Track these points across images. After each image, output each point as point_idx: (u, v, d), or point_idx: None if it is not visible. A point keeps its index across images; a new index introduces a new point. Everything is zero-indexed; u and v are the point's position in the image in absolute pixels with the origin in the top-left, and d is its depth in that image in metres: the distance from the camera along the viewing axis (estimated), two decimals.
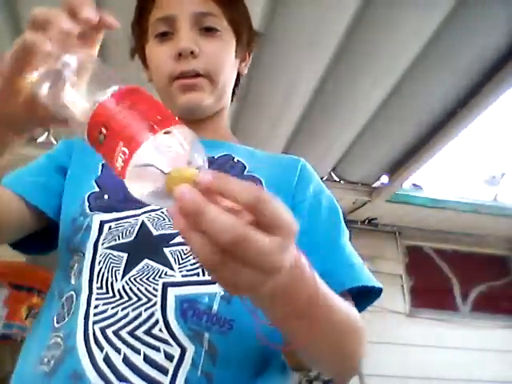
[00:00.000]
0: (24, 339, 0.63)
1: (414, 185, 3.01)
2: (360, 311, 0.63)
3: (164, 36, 0.73)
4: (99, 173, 0.69)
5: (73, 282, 0.60)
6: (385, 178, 2.58)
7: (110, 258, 0.59)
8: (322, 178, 2.55)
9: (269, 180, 0.69)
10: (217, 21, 0.73)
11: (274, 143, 2.28)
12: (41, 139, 2.27)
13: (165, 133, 0.37)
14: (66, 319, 0.57)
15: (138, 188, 0.38)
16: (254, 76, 1.85)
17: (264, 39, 1.68)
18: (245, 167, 0.71)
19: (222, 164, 0.71)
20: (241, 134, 2.21)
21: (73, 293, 0.59)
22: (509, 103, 1.96)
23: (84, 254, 0.60)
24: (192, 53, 0.70)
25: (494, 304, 3.41)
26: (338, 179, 2.60)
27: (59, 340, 0.55)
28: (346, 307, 0.55)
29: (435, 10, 1.52)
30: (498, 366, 3.15)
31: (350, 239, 0.71)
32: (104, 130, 0.38)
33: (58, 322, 0.58)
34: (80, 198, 0.66)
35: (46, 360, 0.54)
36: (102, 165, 0.71)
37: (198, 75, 0.71)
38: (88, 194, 0.66)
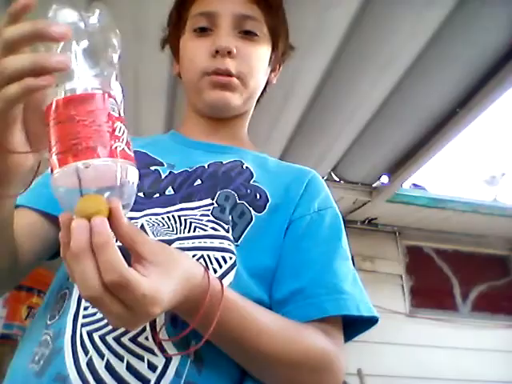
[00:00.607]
0: None
1: (414, 185, 3.01)
2: (350, 339, 0.64)
3: (203, 31, 0.73)
4: None
5: (69, 279, 0.59)
6: (385, 178, 2.57)
7: None
8: (321, 178, 2.52)
9: (273, 192, 0.68)
10: (257, 25, 0.73)
11: (274, 143, 2.28)
12: None
13: (84, 164, 0.38)
14: (57, 317, 0.57)
15: (59, 183, 0.39)
16: None
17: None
18: (252, 176, 0.70)
19: (230, 169, 0.70)
20: None
21: (67, 291, 0.59)
22: (509, 103, 1.96)
23: None
24: (229, 53, 0.70)
25: (494, 304, 3.41)
26: (338, 179, 2.60)
27: (48, 338, 0.55)
28: (297, 336, 0.55)
29: (435, 10, 1.52)
30: (498, 365, 3.15)
31: (348, 242, 0.70)
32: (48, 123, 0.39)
33: (50, 319, 0.58)
34: None
35: (36, 358, 0.54)
36: None
37: (231, 75, 0.71)
38: None
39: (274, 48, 0.78)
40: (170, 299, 0.43)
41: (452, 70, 1.79)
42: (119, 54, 0.43)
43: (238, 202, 0.64)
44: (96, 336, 0.53)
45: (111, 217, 0.38)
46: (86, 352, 0.52)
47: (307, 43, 1.66)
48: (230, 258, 0.59)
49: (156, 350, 0.52)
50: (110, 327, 0.53)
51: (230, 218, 0.62)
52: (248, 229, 0.63)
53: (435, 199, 2.94)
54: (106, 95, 0.40)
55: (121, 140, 0.39)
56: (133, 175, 0.41)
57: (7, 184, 0.46)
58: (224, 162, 0.71)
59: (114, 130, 0.39)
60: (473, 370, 3.07)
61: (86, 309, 0.56)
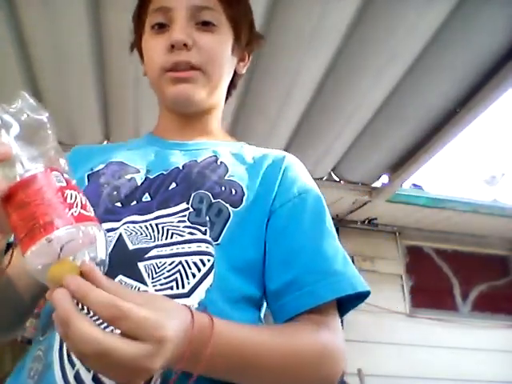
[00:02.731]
0: (24, 339, 0.64)
1: (414, 185, 3.01)
2: (345, 313, 0.65)
3: (160, 28, 0.72)
4: (86, 183, 0.69)
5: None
6: (385, 178, 2.57)
7: None
8: (321, 178, 2.53)
9: (250, 184, 0.68)
10: (215, 15, 0.72)
11: (274, 143, 2.28)
12: None
13: (47, 240, 0.41)
14: (47, 333, 0.58)
15: (32, 263, 0.41)
16: (254, 76, 1.85)
17: (264, 39, 1.68)
18: (227, 171, 0.69)
19: (204, 167, 0.70)
20: (241, 134, 2.21)
21: None
22: (509, 103, 1.96)
23: None
24: (185, 45, 0.69)
25: (494, 304, 3.41)
26: (338, 179, 2.60)
27: (41, 353, 0.56)
28: (290, 346, 0.55)
29: (435, 10, 1.52)
30: (498, 365, 3.15)
31: (346, 239, 0.70)
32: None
33: (42, 335, 0.59)
34: None
35: (32, 373, 0.55)
36: (88, 175, 0.70)
37: (191, 68, 0.70)
38: None
39: (236, 37, 0.77)
40: (162, 360, 0.43)
41: (452, 70, 1.79)
42: (52, 130, 0.47)
43: (214, 201, 0.64)
44: None
45: (87, 279, 0.40)
46: (73, 365, 0.53)
47: (307, 43, 1.66)
48: (208, 261, 0.60)
49: None
50: None
51: (207, 218, 0.62)
52: (227, 226, 0.63)
53: (435, 199, 2.94)
54: (49, 171, 0.43)
55: (74, 205, 0.42)
56: (96, 233, 0.43)
57: None
58: (199, 161, 0.71)
59: (65, 199, 0.42)
60: (472, 369, 3.07)
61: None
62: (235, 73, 0.81)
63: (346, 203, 2.90)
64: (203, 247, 0.60)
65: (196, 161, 0.71)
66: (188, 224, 0.62)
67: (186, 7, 0.70)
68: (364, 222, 3.20)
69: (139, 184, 0.68)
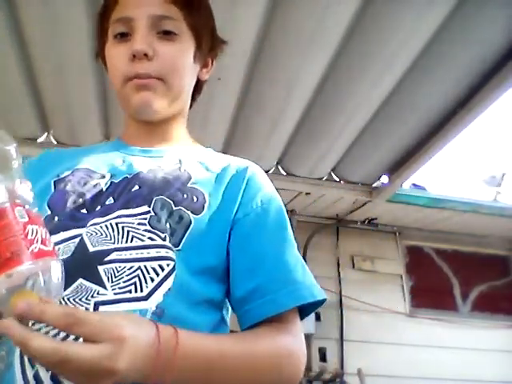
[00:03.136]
0: None
1: (414, 185, 3.01)
2: (304, 317, 0.67)
3: (122, 37, 0.73)
4: (52, 190, 0.70)
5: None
6: (385, 178, 2.57)
7: None
8: (321, 178, 2.54)
9: (213, 192, 0.70)
10: (176, 24, 0.73)
11: (274, 143, 2.28)
12: (41, 139, 2.27)
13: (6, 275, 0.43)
14: None
15: None
16: (254, 76, 1.85)
17: (264, 39, 1.68)
18: (190, 178, 0.71)
19: (168, 173, 0.71)
20: (241, 134, 2.21)
21: None
22: (509, 103, 1.96)
23: None
24: (146, 55, 0.70)
25: (494, 304, 3.41)
26: (338, 179, 2.60)
27: (4, 353, 0.57)
28: (256, 351, 0.59)
29: (435, 10, 1.52)
30: (498, 366, 3.15)
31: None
32: None
33: (1, 337, 0.59)
34: None
35: None
36: (55, 182, 0.71)
37: (151, 77, 0.71)
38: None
39: (198, 44, 0.77)
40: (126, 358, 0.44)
41: (452, 69, 1.79)
42: (18, 161, 0.48)
43: (175, 208, 0.66)
44: None
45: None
46: (33, 366, 0.54)
47: (307, 43, 1.66)
48: (168, 265, 0.61)
49: None
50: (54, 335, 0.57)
51: (168, 225, 0.64)
52: (188, 232, 0.64)
53: (435, 199, 2.94)
54: (13, 207, 0.45)
55: (35, 241, 0.45)
56: (54, 267, 0.46)
57: None
58: (162, 167, 0.72)
59: (26, 235, 0.44)
60: (472, 369, 3.07)
61: (32, 324, 0.57)
62: (198, 79, 0.82)
63: (346, 203, 2.90)
64: (163, 252, 0.62)
65: (160, 167, 0.72)
66: (148, 228, 0.64)
67: (146, 17, 0.71)
68: (364, 221, 3.20)
69: (104, 189, 0.69)
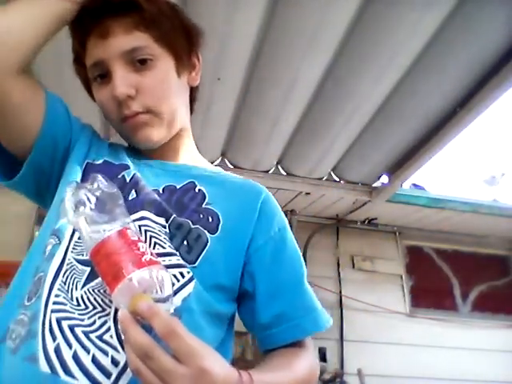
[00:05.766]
0: None
1: (414, 185, 3.01)
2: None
3: (102, 78, 0.73)
4: (81, 171, 0.72)
5: (44, 263, 0.62)
6: (385, 178, 2.57)
7: (75, 269, 0.61)
8: (321, 178, 2.54)
9: (227, 214, 0.71)
10: (147, 50, 0.72)
11: (274, 143, 2.28)
12: None
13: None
14: (33, 300, 0.59)
15: (119, 297, 0.53)
16: (254, 76, 1.86)
17: (264, 39, 1.68)
18: (204, 198, 0.72)
19: (183, 193, 0.72)
20: (241, 134, 2.21)
21: (42, 274, 0.61)
22: (509, 103, 1.96)
23: (60, 243, 0.63)
24: (129, 96, 0.70)
25: (494, 304, 3.41)
26: (338, 179, 2.60)
27: (26, 319, 0.58)
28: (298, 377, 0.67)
29: (435, 10, 1.52)
30: (498, 366, 3.15)
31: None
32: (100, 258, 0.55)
33: (28, 300, 0.60)
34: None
35: (13, 336, 0.57)
36: (87, 164, 0.73)
37: (140, 113, 0.72)
38: None
39: (176, 56, 0.76)
40: None
41: (452, 69, 1.79)
42: (121, 200, 0.60)
43: (193, 226, 0.68)
44: (65, 324, 0.57)
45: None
46: (54, 338, 0.55)
47: (307, 43, 1.66)
48: (188, 273, 0.64)
49: (119, 347, 0.56)
50: (79, 319, 0.57)
51: (186, 243, 0.66)
52: (205, 250, 0.67)
53: (435, 199, 2.94)
54: (125, 230, 0.56)
55: (146, 253, 0.55)
56: (163, 273, 0.54)
57: None
58: (178, 187, 0.73)
59: (138, 249, 0.55)
60: (472, 369, 3.07)
61: (57, 296, 0.58)
62: (192, 87, 0.83)
63: (346, 203, 2.90)
64: (182, 261, 0.65)
65: (175, 186, 0.73)
66: (167, 237, 0.66)
67: (117, 56, 0.71)
68: (364, 221, 3.20)
69: (128, 181, 0.71)
